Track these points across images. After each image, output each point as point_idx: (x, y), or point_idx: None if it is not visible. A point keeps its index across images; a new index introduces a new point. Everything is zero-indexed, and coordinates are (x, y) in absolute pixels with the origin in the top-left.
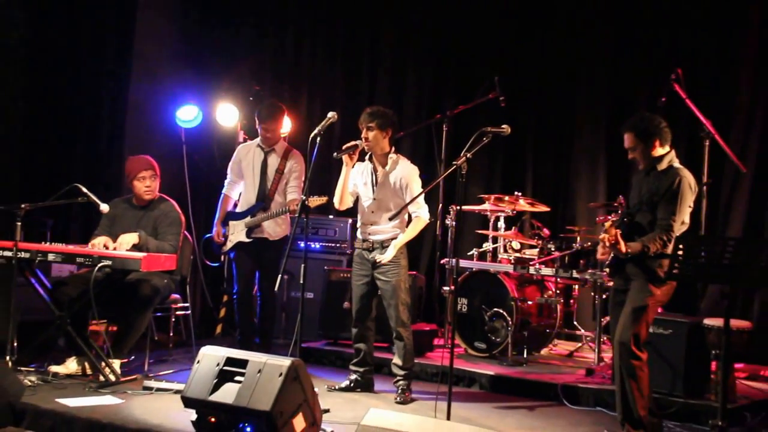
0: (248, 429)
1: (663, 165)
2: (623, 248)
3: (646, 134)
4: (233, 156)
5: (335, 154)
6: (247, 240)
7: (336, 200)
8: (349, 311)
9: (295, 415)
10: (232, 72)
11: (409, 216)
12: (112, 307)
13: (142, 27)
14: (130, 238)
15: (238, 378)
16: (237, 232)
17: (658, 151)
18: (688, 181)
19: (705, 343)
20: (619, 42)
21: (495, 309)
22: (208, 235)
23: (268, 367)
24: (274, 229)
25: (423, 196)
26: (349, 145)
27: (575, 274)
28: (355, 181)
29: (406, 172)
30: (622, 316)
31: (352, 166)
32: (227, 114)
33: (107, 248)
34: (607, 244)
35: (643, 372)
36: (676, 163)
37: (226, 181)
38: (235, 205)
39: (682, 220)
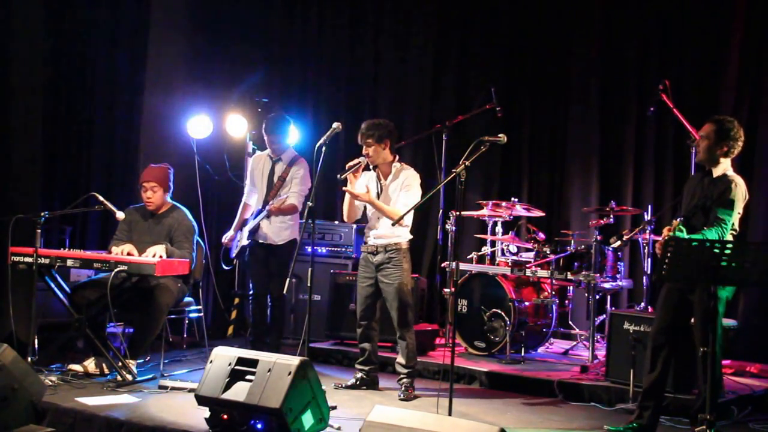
0: (259, 425)
1: (718, 172)
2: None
3: (722, 134)
4: (249, 167)
5: (339, 175)
6: (247, 242)
7: (345, 216)
8: (354, 312)
9: (304, 411)
10: (241, 84)
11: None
12: (129, 310)
13: (154, 43)
14: (158, 250)
15: (249, 377)
16: (242, 237)
17: (719, 157)
18: (742, 189)
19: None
20: (611, 53)
21: (494, 309)
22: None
23: (278, 366)
24: (279, 234)
25: (412, 206)
26: (352, 164)
27: (570, 276)
28: (361, 190)
29: (405, 178)
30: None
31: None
32: (237, 124)
33: (132, 256)
34: (665, 234)
35: None
36: (730, 172)
37: (245, 190)
38: None
39: (733, 224)
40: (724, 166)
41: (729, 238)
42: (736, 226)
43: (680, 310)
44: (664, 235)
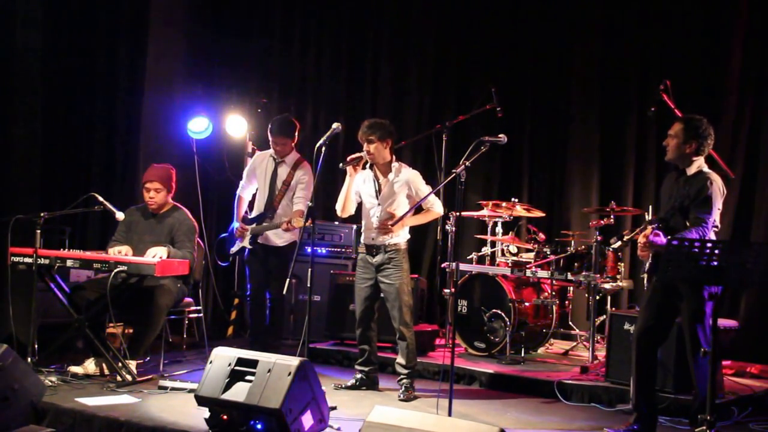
0: (259, 426)
1: (692, 170)
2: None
3: (691, 132)
4: (250, 162)
5: (341, 165)
6: (250, 246)
7: (338, 208)
8: (354, 313)
9: (304, 412)
10: (241, 85)
11: (421, 209)
12: (129, 311)
13: (154, 44)
14: (160, 251)
15: (248, 377)
16: (244, 239)
17: (690, 156)
18: (718, 185)
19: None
20: (611, 54)
21: (494, 310)
22: (223, 236)
23: (278, 366)
24: (281, 236)
25: (433, 194)
26: (354, 156)
27: (570, 277)
28: (358, 189)
29: (410, 177)
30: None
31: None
32: (236, 125)
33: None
34: (642, 241)
35: None
36: (705, 168)
37: (240, 184)
38: (250, 208)
39: (714, 221)
40: (698, 164)
41: (711, 236)
42: (718, 223)
43: (664, 312)
44: (641, 241)
